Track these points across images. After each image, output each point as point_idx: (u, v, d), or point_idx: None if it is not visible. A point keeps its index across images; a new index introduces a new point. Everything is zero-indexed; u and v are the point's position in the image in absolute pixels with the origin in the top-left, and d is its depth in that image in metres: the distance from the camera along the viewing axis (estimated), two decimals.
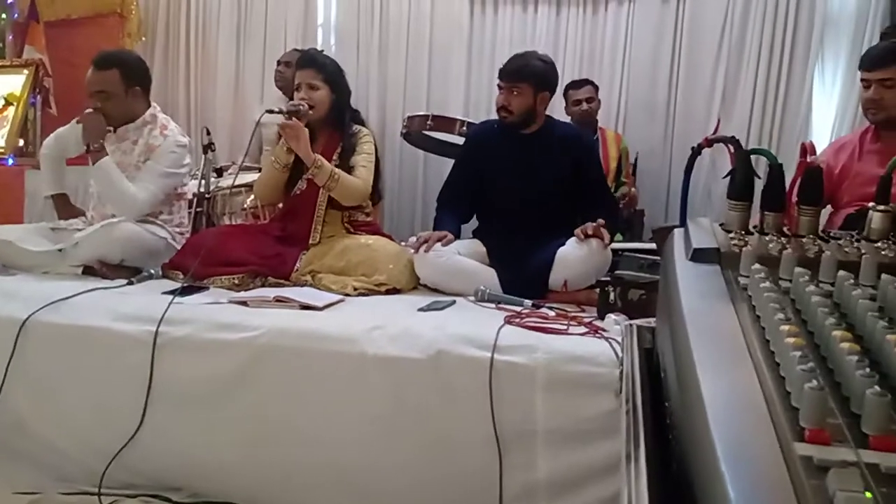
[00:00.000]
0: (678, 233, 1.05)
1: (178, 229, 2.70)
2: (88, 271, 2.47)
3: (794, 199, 1.15)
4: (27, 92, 4.02)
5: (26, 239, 2.51)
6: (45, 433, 2.04)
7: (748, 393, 0.57)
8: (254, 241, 2.55)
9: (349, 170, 2.55)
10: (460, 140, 3.30)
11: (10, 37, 4.42)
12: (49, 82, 4.21)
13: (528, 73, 2.57)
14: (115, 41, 4.28)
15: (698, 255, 0.91)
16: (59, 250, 2.49)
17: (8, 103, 3.99)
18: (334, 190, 2.50)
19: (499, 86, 2.63)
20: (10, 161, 3.87)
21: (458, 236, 2.63)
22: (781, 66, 4.09)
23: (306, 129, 2.47)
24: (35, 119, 4.10)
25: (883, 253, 0.92)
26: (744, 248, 0.89)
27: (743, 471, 0.47)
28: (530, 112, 2.61)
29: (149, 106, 2.67)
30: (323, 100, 2.57)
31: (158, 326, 1.96)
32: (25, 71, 4.09)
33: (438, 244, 2.48)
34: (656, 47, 4.32)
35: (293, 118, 2.46)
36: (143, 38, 4.59)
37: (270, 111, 2.57)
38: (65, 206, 2.81)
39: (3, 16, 4.44)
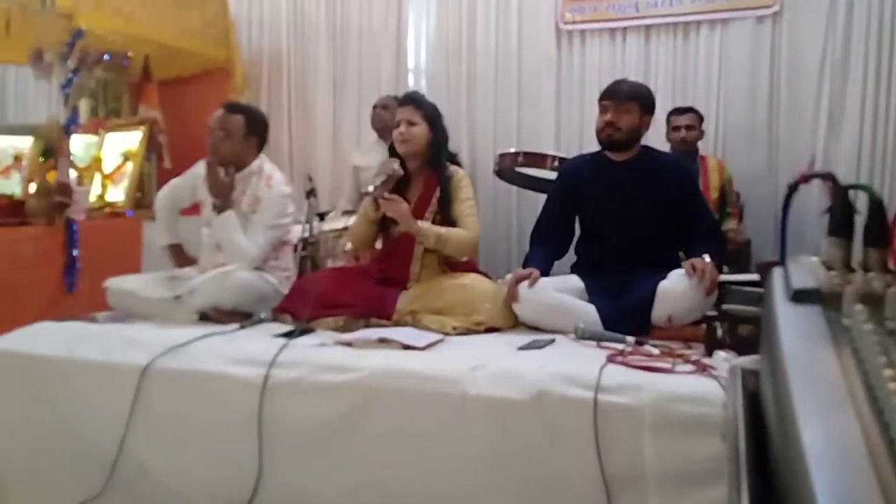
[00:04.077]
0: (778, 272, 1.02)
1: (285, 273, 2.81)
2: (203, 317, 2.59)
3: None
4: (143, 148, 4.29)
5: (146, 287, 2.67)
6: (166, 477, 2.11)
7: (850, 440, 0.55)
8: (356, 283, 2.62)
9: (452, 220, 2.60)
10: (552, 175, 3.30)
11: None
12: (163, 137, 4.49)
13: (637, 94, 2.59)
14: (221, 96, 4.53)
15: (799, 296, 0.88)
16: (177, 298, 2.62)
17: (125, 159, 4.28)
18: (445, 249, 2.56)
19: (603, 106, 2.59)
20: (129, 214, 4.14)
21: (546, 273, 2.57)
22: (891, 83, 3.88)
23: (405, 203, 2.53)
24: (150, 173, 4.36)
25: None
26: (846, 287, 0.85)
27: None
28: (636, 133, 2.58)
29: (256, 158, 2.81)
30: (420, 136, 2.64)
31: (269, 369, 2.03)
32: (141, 128, 4.38)
33: (525, 283, 2.44)
34: (753, 70, 4.20)
35: (389, 183, 2.54)
36: (248, 93, 4.84)
37: (366, 193, 2.62)
38: (180, 256, 2.96)
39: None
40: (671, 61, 4.37)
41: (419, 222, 2.53)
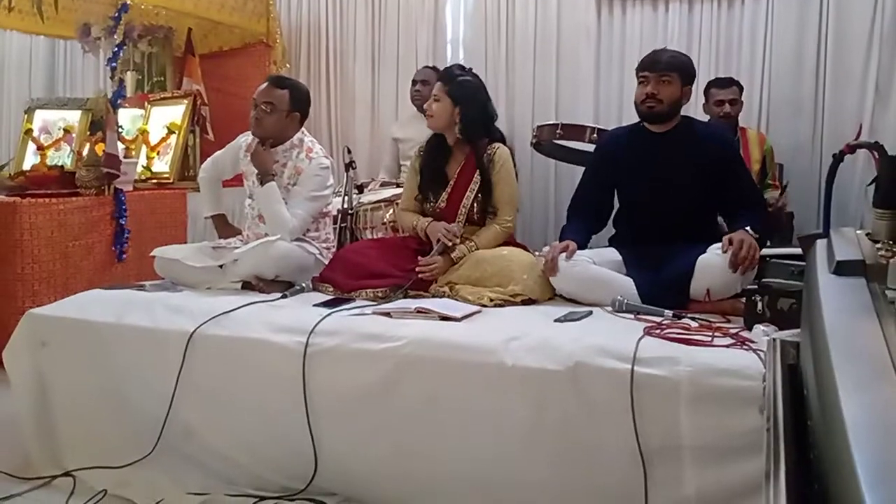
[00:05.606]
0: (820, 244, 1.01)
1: (325, 244, 2.85)
2: (246, 286, 2.66)
3: None
4: (187, 120, 4.37)
5: (191, 257, 2.72)
6: (212, 440, 2.19)
7: (892, 414, 0.55)
8: (395, 254, 2.66)
9: (494, 201, 2.64)
10: (591, 147, 3.27)
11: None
12: (206, 110, 4.56)
13: (677, 64, 2.53)
14: (262, 69, 4.58)
15: (842, 268, 0.87)
16: (220, 267, 2.69)
17: (170, 132, 4.36)
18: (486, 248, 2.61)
19: (644, 77, 2.53)
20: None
21: (583, 246, 2.56)
22: None
23: (443, 261, 2.56)
24: (194, 145, 4.43)
25: None
26: (891, 260, 0.84)
27: (885, 494, 0.45)
28: (677, 104, 2.54)
29: (297, 132, 2.84)
30: (441, 112, 2.65)
31: (309, 337, 2.07)
32: (185, 101, 4.44)
33: (562, 256, 2.44)
34: (799, 39, 4.07)
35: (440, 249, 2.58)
36: (288, 66, 4.87)
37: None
38: (224, 226, 3.02)
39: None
40: (714, 31, 4.26)
41: (456, 248, 2.58)
